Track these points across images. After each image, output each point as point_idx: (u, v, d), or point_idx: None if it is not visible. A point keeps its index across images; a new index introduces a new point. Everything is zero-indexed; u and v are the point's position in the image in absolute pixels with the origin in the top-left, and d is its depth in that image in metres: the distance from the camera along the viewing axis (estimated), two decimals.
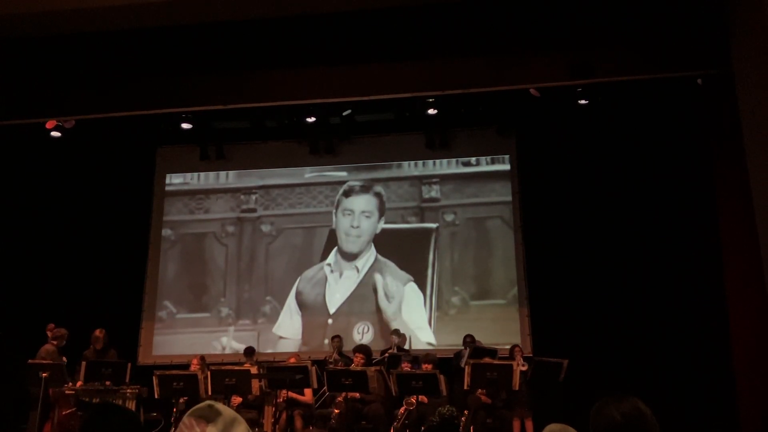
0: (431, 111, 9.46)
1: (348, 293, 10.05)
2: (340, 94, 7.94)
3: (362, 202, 10.44)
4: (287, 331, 10.09)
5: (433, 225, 10.14)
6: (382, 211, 10.36)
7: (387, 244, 10.18)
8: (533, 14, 7.10)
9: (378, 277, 10.03)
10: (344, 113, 9.88)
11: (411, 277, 9.99)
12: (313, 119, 9.64)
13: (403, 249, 10.11)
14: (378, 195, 10.43)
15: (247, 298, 10.35)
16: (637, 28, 6.97)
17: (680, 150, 8.79)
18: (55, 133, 9.03)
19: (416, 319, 9.83)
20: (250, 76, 7.65)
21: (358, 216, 10.37)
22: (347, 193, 10.50)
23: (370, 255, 10.16)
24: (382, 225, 10.29)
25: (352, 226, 10.32)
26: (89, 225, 10.20)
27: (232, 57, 7.56)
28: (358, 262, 10.14)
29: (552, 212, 9.56)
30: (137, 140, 10.51)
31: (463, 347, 8.49)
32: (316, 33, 7.36)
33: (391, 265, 10.07)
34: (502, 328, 9.47)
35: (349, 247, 10.26)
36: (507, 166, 10.19)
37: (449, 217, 10.16)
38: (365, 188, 10.49)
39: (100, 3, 6.87)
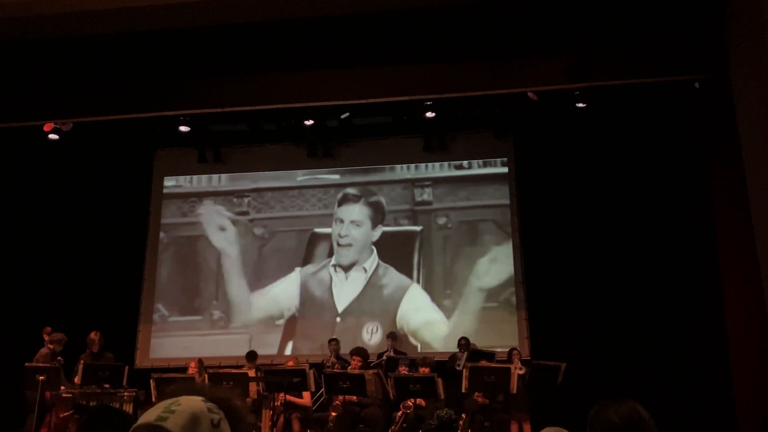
0: (429, 114, 9.44)
1: (356, 293, 9.97)
2: (338, 97, 7.95)
3: (352, 212, 10.34)
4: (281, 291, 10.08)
5: (417, 228, 10.12)
6: (377, 219, 10.24)
7: (382, 248, 10.16)
8: (531, 18, 7.12)
9: (383, 281, 9.97)
10: (342, 116, 9.87)
11: (411, 281, 9.96)
12: (311, 122, 9.63)
13: (395, 252, 10.07)
14: (372, 204, 10.31)
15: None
16: (634, 31, 7.00)
17: (677, 153, 8.79)
18: (52, 136, 8.99)
19: (423, 318, 9.76)
20: (247, 79, 7.65)
21: (347, 225, 10.28)
22: (340, 202, 10.42)
23: (373, 260, 10.09)
24: (380, 232, 10.18)
25: (340, 235, 10.26)
26: (87, 228, 10.17)
27: (229, 60, 7.57)
28: (365, 264, 10.09)
29: (549, 215, 9.55)
30: (135, 143, 10.48)
31: (458, 350, 8.47)
32: (314, 36, 7.38)
33: (391, 269, 10.03)
34: (499, 331, 9.45)
35: (341, 259, 10.16)
36: (500, 169, 10.15)
37: (441, 220, 10.11)
38: (357, 197, 10.37)
39: (98, 6, 6.89)
